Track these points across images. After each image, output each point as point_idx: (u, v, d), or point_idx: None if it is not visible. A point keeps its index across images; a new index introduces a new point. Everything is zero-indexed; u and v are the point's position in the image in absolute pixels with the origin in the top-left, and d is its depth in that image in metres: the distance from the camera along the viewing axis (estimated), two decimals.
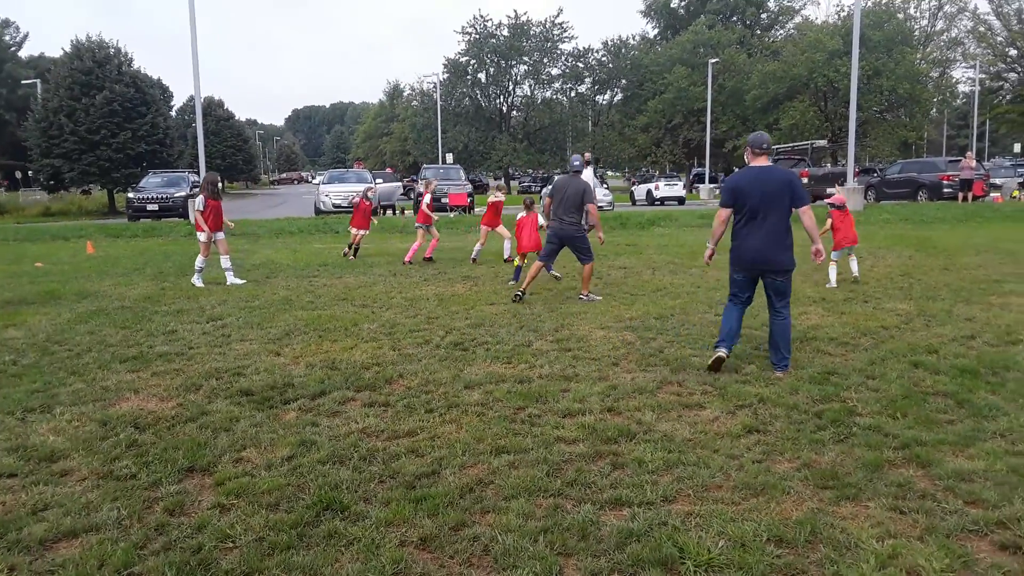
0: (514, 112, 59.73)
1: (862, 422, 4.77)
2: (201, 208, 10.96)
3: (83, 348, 7.23)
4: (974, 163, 28.03)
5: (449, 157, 48.04)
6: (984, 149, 64.01)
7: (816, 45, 45.95)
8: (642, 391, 5.55)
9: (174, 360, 6.71)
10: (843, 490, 3.81)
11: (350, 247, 14.33)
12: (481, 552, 3.32)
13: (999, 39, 58.69)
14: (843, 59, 40.84)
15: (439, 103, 53.55)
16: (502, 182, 14.81)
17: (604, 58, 58.81)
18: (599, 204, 28.22)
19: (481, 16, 57.08)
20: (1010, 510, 3.55)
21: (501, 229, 13.27)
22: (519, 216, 11.31)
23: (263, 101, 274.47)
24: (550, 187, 9.72)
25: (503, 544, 3.34)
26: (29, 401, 5.56)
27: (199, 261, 11.10)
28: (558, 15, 56.09)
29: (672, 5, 64.67)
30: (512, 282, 10.78)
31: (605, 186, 34.56)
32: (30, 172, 48.77)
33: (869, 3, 51.00)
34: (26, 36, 67.96)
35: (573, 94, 59.22)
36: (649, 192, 38.54)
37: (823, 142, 37.95)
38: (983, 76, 58.12)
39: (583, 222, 9.37)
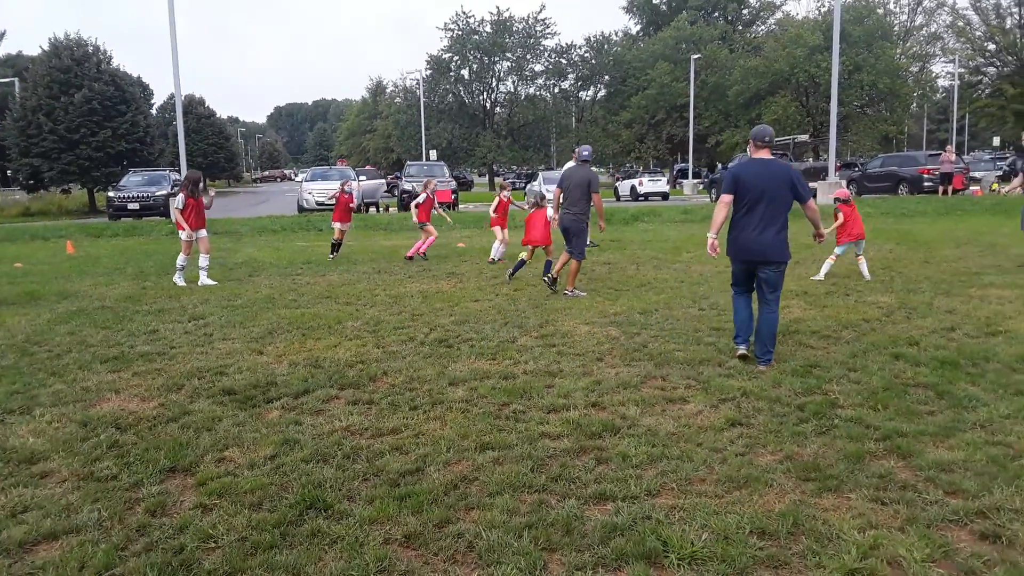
0: (498, 108, 59.67)
1: (844, 414, 4.81)
2: (180, 207, 10.87)
3: (63, 349, 7.15)
4: (954, 157, 28.30)
5: (433, 154, 47.95)
6: (964, 143, 64.67)
7: (797, 41, 46.20)
8: (626, 386, 5.56)
9: (155, 360, 6.66)
10: (825, 482, 3.84)
11: (335, 247, 13.99)
12: (465, 549, 3.32)
13: (978, 34, 59.28)
14: (824, 54, 41.09)
15: (422, 100, 53.41)
16: (506, 180, 14.88)
17: (587, 54, 58.86)
18: None
19: (464, 12, 57.03)
20: (990, 499, 3.59)
21: (497, 230, 13.02)
22: (529, 211, 11.35)
23: (245, 98, 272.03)
24: (534, 183, 9.75)
25: (487, 540, 3.33)
26: (8, 402, 5.49)
27: (180, 259, 11.02)
28: (541, 11, 56.16)
29: (654, 1, 64.77)
30: (509, 279, 10.74)
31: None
32: (9, 172, 48.17)
33: None
34: (3, 34, 66.99)
35: (556, 90, 59.27)
36: (633, 188, 38.62)
37: (805, 137, 38.21)
38: (962, 71, 58.68)
39: (586, 213, 9.34)
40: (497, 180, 13.53)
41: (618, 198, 40.17)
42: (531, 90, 58.97)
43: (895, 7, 59.49)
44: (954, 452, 4.17)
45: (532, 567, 3.14)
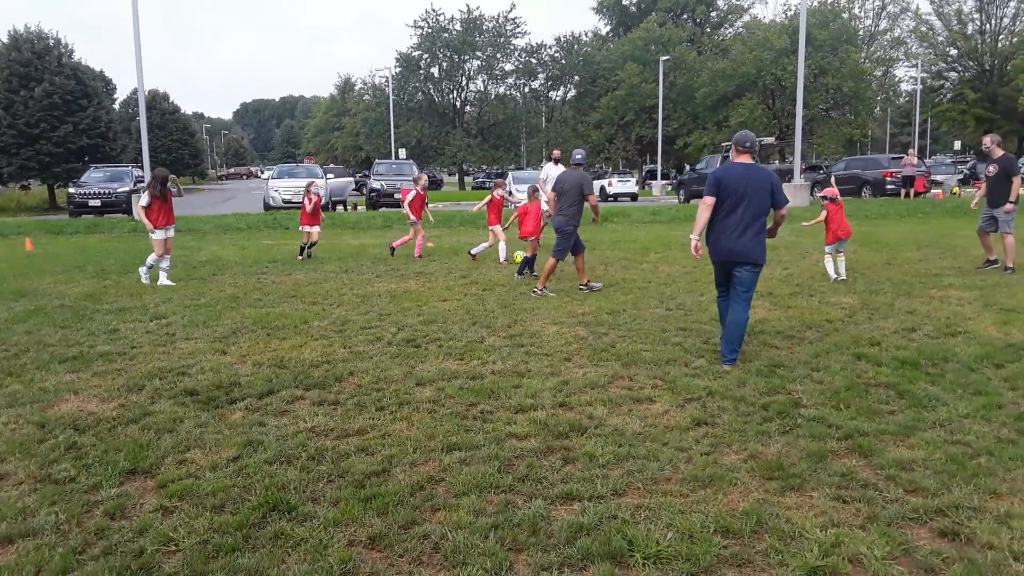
0: (468, 107, 59.59)
1: (807, 413, 4.87)
2: (145, 204, 10.67)
3: (20, 348, 6.98)
4: (916, 160, 28.85)
5: (402, 152, 47.73)
6: (926, 147, 66.03)
7: (764, 44, 46.80)
8: (594, 386, 5.57)
9: (116, 360, 6.52)
10: (788, 480, 3.88)
11: (303, 249, 13.54)
12: (431, 550, 3.30)
13: (940, 39, 60.60)
14: (790, 58, 41.66)
15: (391, 97, 53.11)
16: (502, 179, 14.68)
17: (557, 54, 59.02)
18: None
19: (433, 10, 56.70)
20: (949, 498, 3.66)
21: (497, 229, 12.87)
22: (522, 203, 11.33)
23: (211, 94, 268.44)
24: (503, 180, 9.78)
25: (453, 541, 3.32)
26: None
27: (151, 258, 10.77)
28: (511, 10, 56.32)
29: (624, 2, 65.13)
30: (518, 277, 10.73)
31: None
32: None
33: (815, 3, 52.12)
34: None
35: (527, 90, 59.35)
36: (602, 188, 38.81)
37: (771, 139, 38.68)
38: (925, 75, 59.90)
39: (576, 216, 9.41)
40: (495, 181, 13.55)
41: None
42: (501, 89, 59.00)
43: (860, 12, 60.56)
44: (914, 451, 4.24)
45: (498, 568, 3.13)
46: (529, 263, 10.96)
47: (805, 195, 25.80)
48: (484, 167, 64.64)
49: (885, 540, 3.27)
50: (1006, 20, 58.38)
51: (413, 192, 13.55)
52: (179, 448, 4.48)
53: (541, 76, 59.38)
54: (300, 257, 13.48)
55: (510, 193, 28.98)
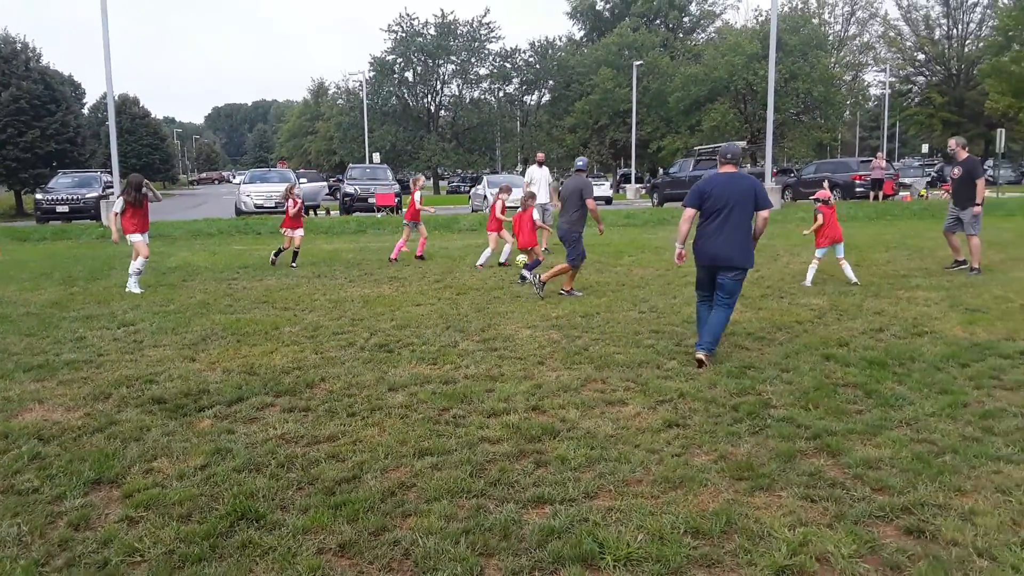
0: (442, 112, 59.50)
1: (776, 414, 4.92)
2: (119, 210, 10.49)
3: None
4: (884, 163, 29.32)
5: (376, 157, 47.49)
6: (894, 150, 67.11)
7: (736, 49, 47.27)
8: (566, 389, 5.58)
9: (82, 368, 6.41)
10: (758, 480, 3.91)
11: (278, 254, 13.22)
12: (401, 556, 3.28)
13: (908, 44, 61.69)
14: (761, 62, 42.11)
15: (365, 102, 52.89)
16: (505, 183, 14.54)
17: (531, 59, 59.17)
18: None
19: (408, 14, 56.55)
20: (914, 495, 3.70)
21: (504, 234, 12.81)
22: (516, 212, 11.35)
23: (182, 98, 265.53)
24: (478, 187, 9.82)
25: (424, 547, 3.30)
26: None
27: (135, 265, 10.45)
28: (485, 15, 56.25)
29: (597, 7, 65.49)
30: (518, 283, 10.68)
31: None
32: None
33: (786, 8, 52.83)
34: None
35: (501, 94, 59.39)
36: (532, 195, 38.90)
37: (743, 143, 39.07)
38: (893, 79, 60.87)
39: (580, 220, 9.47)
40: (503, 184, 13.54)
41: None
42: (476, 93, 59.01)
43: (829, 17, 61.46)
44: (881, 450, 4.29)
45: (469, 573, 3.12)
46: (530, 268, 10.91)
47: (776, 198, 26.09)
48: (459, 171, 64.56)
49: (852, 538, 3.30)
50: (972, 25, 59.57)
51: (419, 195, 13.63)
52: (146, 457, 4.42)
53: (516, 80, 59.49)
54: (284, 262, 13.08)
55: (484, 198, 28.85)
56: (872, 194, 27.69)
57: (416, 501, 3.78)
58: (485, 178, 32.99)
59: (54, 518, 3.70)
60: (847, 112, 58.63)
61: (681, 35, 63.58)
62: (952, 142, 11.17)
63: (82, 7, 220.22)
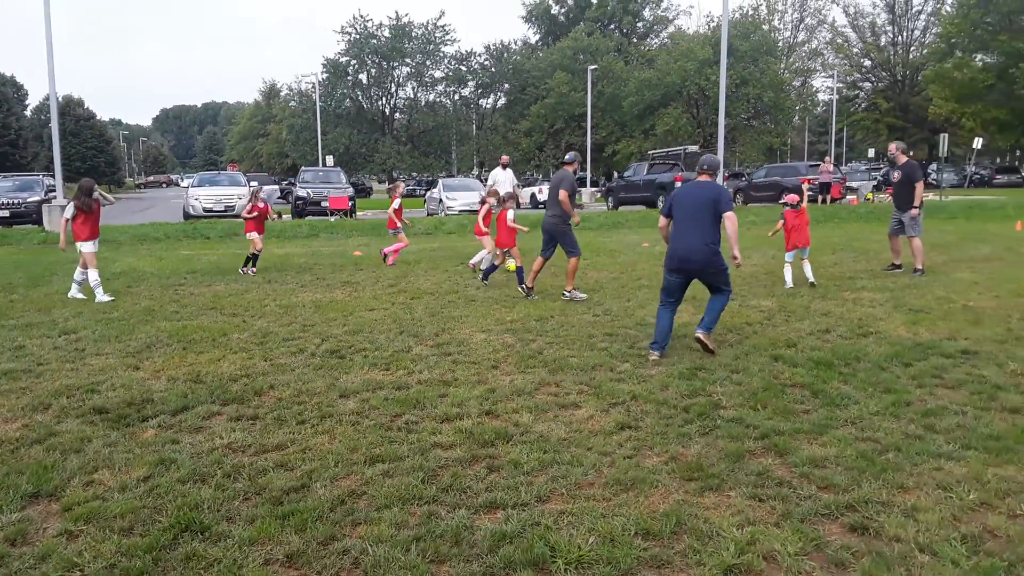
0: (397, 114, 59.17)
1: (726, 415, 4.98)
2: (70, 216, 10.13)
3: None
4: (832, 167, 30.03)
5: (329, 159, 46.98)
6: (842, 154, 68.78)
7: (688, 54, 48.01)
8: (520, 393, 5.57)
9: (20, 378, 6.19)
10: (707, 481, 3.95)
11: (254, 262, 12.65)
12: (351, 565, 3.23)
13: (855, 50, 63.40)
14: (713, 68, 42.80)
15: (318, 104, 52.31)
16: (495, 190, 14.26)
17: (487, 62, 59.23)
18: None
19: (361, 16, 56.21)
20: (859, 493, 3.78)
21: (486, 240, 12.60)
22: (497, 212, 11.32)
23: (129, 100, 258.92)
24: (434, 191, 9.76)
25: (374, 556, 3.25)
26: None
27: (93, 275, 10.00)
28: (440, 17, 56.06)
29: (552, 12, 65.87)
30: (521, 288, 10.46)
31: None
32: None
33: (737, 15, 53.81)
34: None
35: (456, 97, 59.31)
36: (533, 195, 39.07)
37: (695, 148, 39.61)
38: (841, 85, 62.45)
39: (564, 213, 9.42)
40: (491, 188, 13.29)
41: (519, 205, 40.51)
42: (431, 96, 58.83)
43: (779, 24, 62.84)
44: (827, 448, 4.37)
45: None
46: (520, 277, 10.83)
47: None
48: (414, 175, 64.26)
49: (798, 536, 3.35)
50: (917, 32, 61.50)
51: (398, 201, 13.56)
52: (86, 469, 4.28)
53: (471, 84, 59.46)
54: (247, 269, 12.54)
55: (439, 201, 28.72)
56: (820, 197, 28.32)
57: (366, 509, 3.73)
58: (441, 181, 32.91)
59: None
60: (796, 117, 59.89)
61: (635, 40, 64.33)
62: (892, 147, 11.56)
63: (25, 5, 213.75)
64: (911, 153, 55.82)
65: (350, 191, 29.58)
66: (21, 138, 40.16)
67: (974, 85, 45.81)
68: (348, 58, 54.95)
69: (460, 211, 28.43)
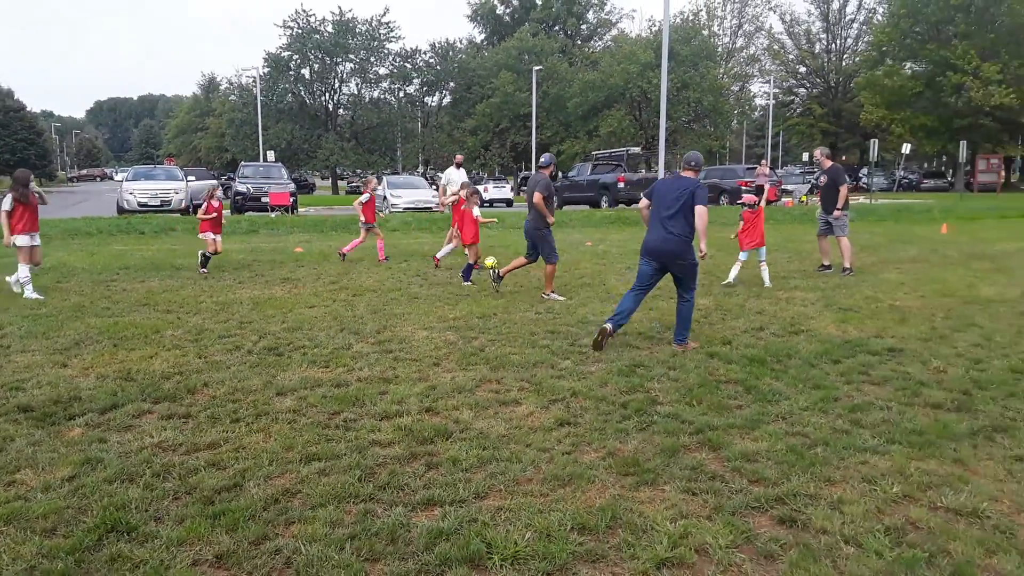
0: (341, 110, 58.41)
1: (662, 410, 5.06)
2: (8, 209, 9.65)
3: None
4: (768, 170, 30.76)
5: (270, 155, 46.11)
6: (778, 158, 70.55)
7: (631, 57, 48.63)
8: (461, 390, 5.57)
9: None
10: (643, 475, 4.01)
11: (207, 261, 11.94)
12: (283, 565, 3.17)
13: (791, 57, 65.16)
14: (655, 71, 43.45)
15: (259, 98, 51.29)
16: (466, 180, 14.01)
17: (432, 60, 58.92)
18: (428, 205, 28.13)
19: (304, 11, 55.25)
20: (788, 486, 3.88)
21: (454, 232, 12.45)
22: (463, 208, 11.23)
23: (62, 92, 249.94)
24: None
25: (306, 555, 3.21)
26: None
27: (23, 272, 9.53)
28: (384, 14, 55.40)
29: (498, 12, 65.96)
30: (466, 283, 10.63)
31: (434, 187, 34.59)
32: None
33: (677, 20, 54.70)
34: None
35: (401, 94, 58.86)
36: (465, 189, 39.02)
37: (637, 149, 40.18)
38: (777, 91, 64.10)
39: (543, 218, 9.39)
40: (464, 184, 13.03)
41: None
42: (375, 93, 58.28)
43: (719, 30, 64.13)
44: (758, 443, 4.48)
45: None
46: (469, 271, 10.78)
47: None
48: (358, 171, 63.56)
49: (729, 529, 3.43)
50: (850, 40, 63.54)
51: (368, 195, 13.38)
52: (8, 469, 4.12)
53: (416, 81, 59.08)
54: (204, 270, 11.84)
55: (383, 199, 28.50)
56: (739, 200, 29.06)
57: (301, 508, 3.67)
58: (385, 179, 32.62)
59: None
60: (734, 121, 61.31)
61: (579, 42, 64.87)
62: (817, 152, 12.14)
63: None
64: (843, 157, 57.60)
65: (291, 187, 29.09)
66: None
67: (903, 92, 47.56)
68: (290, 53, 54.05)
69: (405, 209, 28.24)
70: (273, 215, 24.51)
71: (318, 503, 3.71)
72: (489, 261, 11.90)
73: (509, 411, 5.13)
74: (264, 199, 26.86)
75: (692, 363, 6.24)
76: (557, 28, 64.38)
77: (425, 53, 58.78)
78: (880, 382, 5.75)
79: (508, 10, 65.86)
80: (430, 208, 27.30)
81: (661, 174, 28.32)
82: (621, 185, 30.83)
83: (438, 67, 58.66)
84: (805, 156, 63.63)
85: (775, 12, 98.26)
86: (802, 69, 65.91)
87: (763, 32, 65.46)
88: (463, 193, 12.06)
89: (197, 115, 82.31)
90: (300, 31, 53.63)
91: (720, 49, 60.24)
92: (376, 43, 55.52)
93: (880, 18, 55.57)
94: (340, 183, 61.92)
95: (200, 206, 12.53)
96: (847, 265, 11.34)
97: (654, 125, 45.33)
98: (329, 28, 54.10)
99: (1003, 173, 50.09)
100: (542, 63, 52.09)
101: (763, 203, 10.65)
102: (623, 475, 4.04)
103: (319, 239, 18.11)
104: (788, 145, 74.62)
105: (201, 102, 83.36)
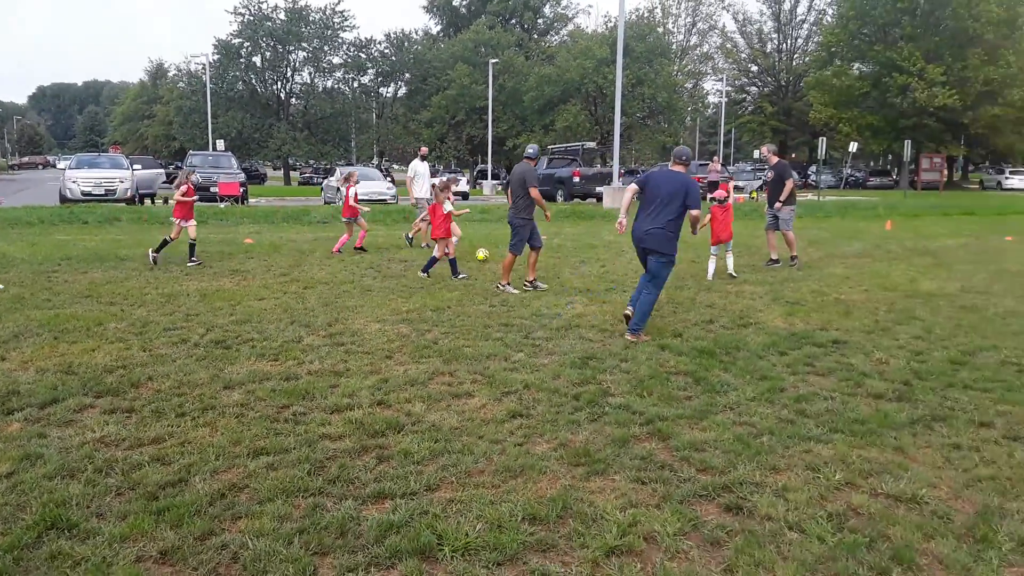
0: (293, 100, 57.52)
1: (614, 402, 5.11)
2: None
3: None
4: (720, 167, 31.26)
5: (220, 144, 45.18)
6: (730, 155, 71.72)
7: (586, 53, 48.87)
8: (414, 383, 5.54)
9: None
10: (593, 466, 4.05)
11: (161, 248, 11.54)
12: (229, 560, 3.12)
13: (743, 56, 66.22)
14: (610, 67, 43.69)
15: (209, 86, 50.19)
16: (455, 176, 13.91)
17: (387, 50, 58.36)
18: (382, 197, 27.84)
19: None
20: (734, 475, 3.96)
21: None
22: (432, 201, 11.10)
23: (1, 76, 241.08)
24: (331, 179, 9.50)
25: (254, 550, 3.16)
26: None
27: None
28: (339, 3, 54.79)
29: (454, 3, 65.57)
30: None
31: (389, 179, 34.33)
32: None
33: (633, 16, 55.13)
34: None
35: (356, 85, 58.18)
36: (433, 186, 38.86)
37: (593, 144, 40.44)
38: (729, 89, 65.05)
39: (526, 209, 9.31)
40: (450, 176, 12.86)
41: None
42: (329, 83, 57.53)
43: (673, 28, 64.85)
44: (707, 433, 4.56)
45: (302, 573, 3.02)
46: (431, 264, 10.65)
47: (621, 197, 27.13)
48: (311, 162, 62.64)
49: (677, 517, 3.48)
50: (800, 40, 64.84)
51: (354, 190, 13.25)
52: None
53: (371, 71, 58.47)
54: (156, 258, 11.41)
55: (336, 190, 28.12)
56: (708, 195, 29.46)
57: (248, 503, 3.62)
58: (339, 170, 32.24)
59: None
60: (688, 118, 62.04)
61: (535, 36, 64.87)
62: (764, 149, 12.61)
63: None
64: (793, 155, 58.77)
65: (241, 177, 28.56)
66: None
67: (851, 92, 48.73)
68: (241, 40, 53.02)
69: (359, 200, 27.92)
70: (222, 205, 24.04)
71: (266, 497, 3.66)
72: (481, 254, 11.88)
73: (462, 403, 5.13)
74: (213, 189, 26.31)
75: (643, 355, 6.31)
76: (514, 21, 64.29)
77: (380, 43, 58.25)
78: (825, 373, 5.89)
79: (465, 2, 65.53)
80: (384, 200, 27.06)
81: (616, 169, 28.51)
82: (576, 180, 30.98)
83: (393, 58, 58.14)
84: (756, 153, 64.83)
85: (728, 11, 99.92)
86: (754, 68, 67.06)
87: (716, 31, 66.42)
88: (443, 194, 12.14)
89: (144, 102, 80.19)
90: (252, 18, 52.64)
91: (674, 46, 60.89)
92: (330, 32, 54.79)
93: (830, 19, 56.81)
94: (293, 174, 60.99)
95: (146, 196, 12.23)
96: (793, 254, 11.72)
97: (609, 121, 45.59)
98: (282, 16, 53.23)
99: (945, 172, 51.66)
100: (499, 56, 51.97)
101: (731, 199, 10.81)
102: (574, 466, 4.07)
103: (270, 230, 17.83)
104: (740, 142, 75.88)
105: (148, 89, 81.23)
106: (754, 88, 68.86)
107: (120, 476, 3.88)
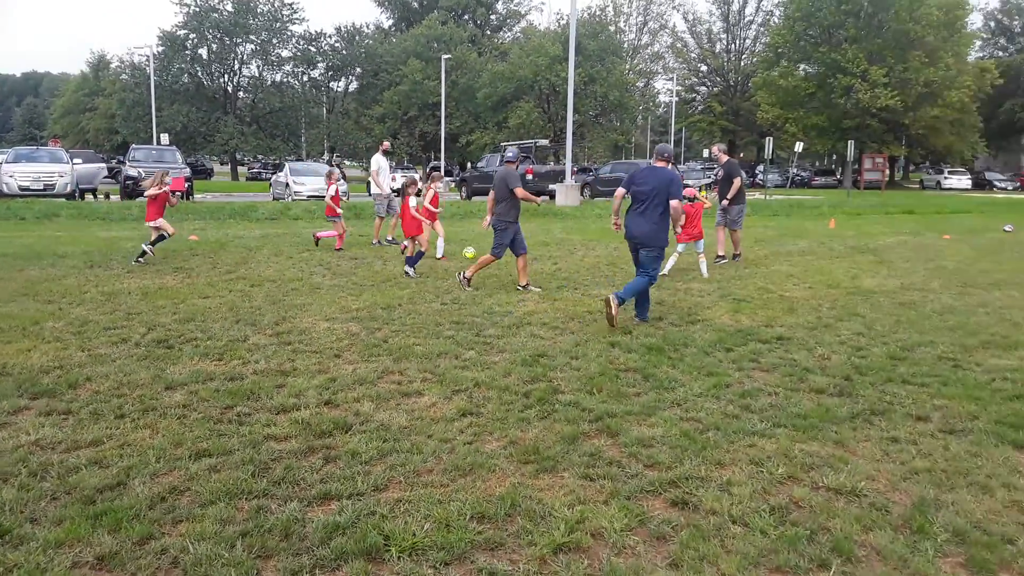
0: (241, 93, 56.42)
1: (564, 399, 5.13)
2: None
3: None
4: (670, 166, 31.67)
5: (164, 138, 44.08)
6: (680, 154, 72.66)
7: (539, 50, 49.00)
8: (362, 382, 5.48)
9: None
10: (543, 463, 4.06)
11: (158, 241, 11.36)
12: (169, 565, 3.05)
13: (693, 55, 67.16)
14: (563, 65, 43.86)
15: (153, 78, 48.92)
16: (439, 172, 13.60)
17: (338, 44, 57.69)
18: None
19: None
20: (681, 470, 4.01)
21: (437, 225, 12.08)
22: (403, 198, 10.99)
23: None
24: (279, 175, 9.32)
25: (195, 554, 3.09)
26: None
27: None
28: None
29: None
30: (408, 269, 10.38)
31: (341, 174, 33.89)
32: None
33: (585, 15, 55.45)
34: None
35: (305, 79, 57.38)
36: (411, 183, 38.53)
37: (545, 141, 40.54)
38: (680, 88, 65.95)
39: (511, 211, 9.23)
40: (435, 173, 12.58)
41: (371, 193, 39.76)
42: (278, 76, 56.64)
43: (625, 26, 65.44)
44: (654, 428, 4.61)
45: None
46: (412, 262, 10.49)
47: (576, 195, 27.30)
48: (260, 157, 61.50)
49: (624, 513, 3.51)
50: (748, 41, 66.06)
51: (335, 187, 13.06)
52: None
53: (321, 65, 57.75)
54: (150, 249, 11.17)
55: (285, 186, 27.74)
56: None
57: (189, 506, 3.53)
58: (288, 165, 31.73)
59: None
60: (639, 117, 62.70)
61: (488, 32, 64.85)
62: (714, 148, 13.00)
63: None
64: (741, 155, 59.84)
65: (187, 172, 27.89)
66: None
67: (797, 93, 49.86)
68: (186, 31, 51.81)
69: (309, 197, 27.55)
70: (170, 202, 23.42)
71: (208, 500, 3.58)
72: (469, 252, 11.76)
73: (411, 402, 5.09)
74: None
75: (593, 352, 6.35)
76: (467, 17, 64.13)
77: (330, 37, 57.60)
78: (769, 369, 6.01)
79: None
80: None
81: (568, 166, 28.65)
82: (530, 177, 31.02)
83: (344, 52, 57.50)
84: (706, 152, 65.83)
85: (679, 11, 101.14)
86: (703, 68, 68.11)
87: (667, 30, 67.26)
88: (438, 185, 12.15)
89: (85, 94, 77.76)
90: (197, 9, 51.46)
91: (626, 45, 61.45)
92: (278, 24, 53.93)
93: (777, 20, 57.97)
94: (240, 169, 59.86)
95: (87, 191, 11.86)
96: (737, 251, 12.09)
97: (562, 118, 45.82)
98: (228, 7, 52.17)
99: (887, 171, 53.23)
100: (451, 52, 51.79)
101: (701, 197, 10.97)
102: (523, 463, 4.08)
103: (216, 227, 17.46)
104: (690, 141, 76.98)
105: (90, 81, 78.82)
106: (704, 88, 69.95)
107: (56, 480, 3.75)
